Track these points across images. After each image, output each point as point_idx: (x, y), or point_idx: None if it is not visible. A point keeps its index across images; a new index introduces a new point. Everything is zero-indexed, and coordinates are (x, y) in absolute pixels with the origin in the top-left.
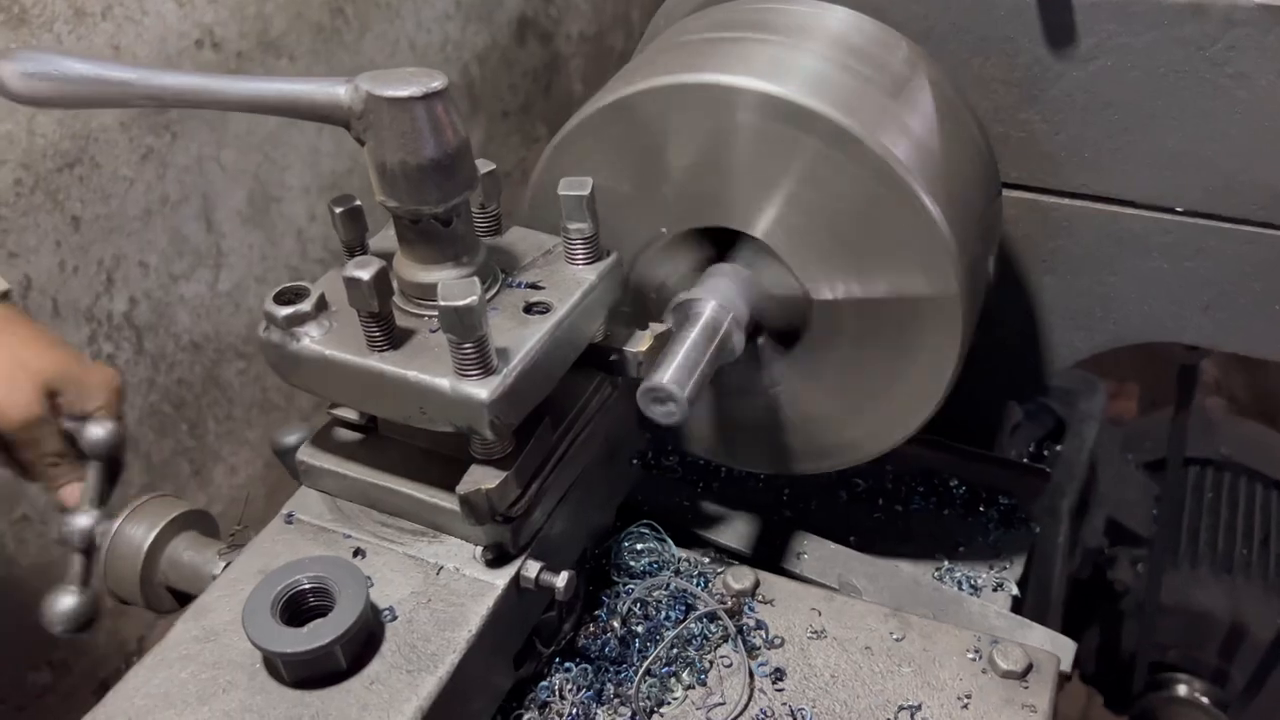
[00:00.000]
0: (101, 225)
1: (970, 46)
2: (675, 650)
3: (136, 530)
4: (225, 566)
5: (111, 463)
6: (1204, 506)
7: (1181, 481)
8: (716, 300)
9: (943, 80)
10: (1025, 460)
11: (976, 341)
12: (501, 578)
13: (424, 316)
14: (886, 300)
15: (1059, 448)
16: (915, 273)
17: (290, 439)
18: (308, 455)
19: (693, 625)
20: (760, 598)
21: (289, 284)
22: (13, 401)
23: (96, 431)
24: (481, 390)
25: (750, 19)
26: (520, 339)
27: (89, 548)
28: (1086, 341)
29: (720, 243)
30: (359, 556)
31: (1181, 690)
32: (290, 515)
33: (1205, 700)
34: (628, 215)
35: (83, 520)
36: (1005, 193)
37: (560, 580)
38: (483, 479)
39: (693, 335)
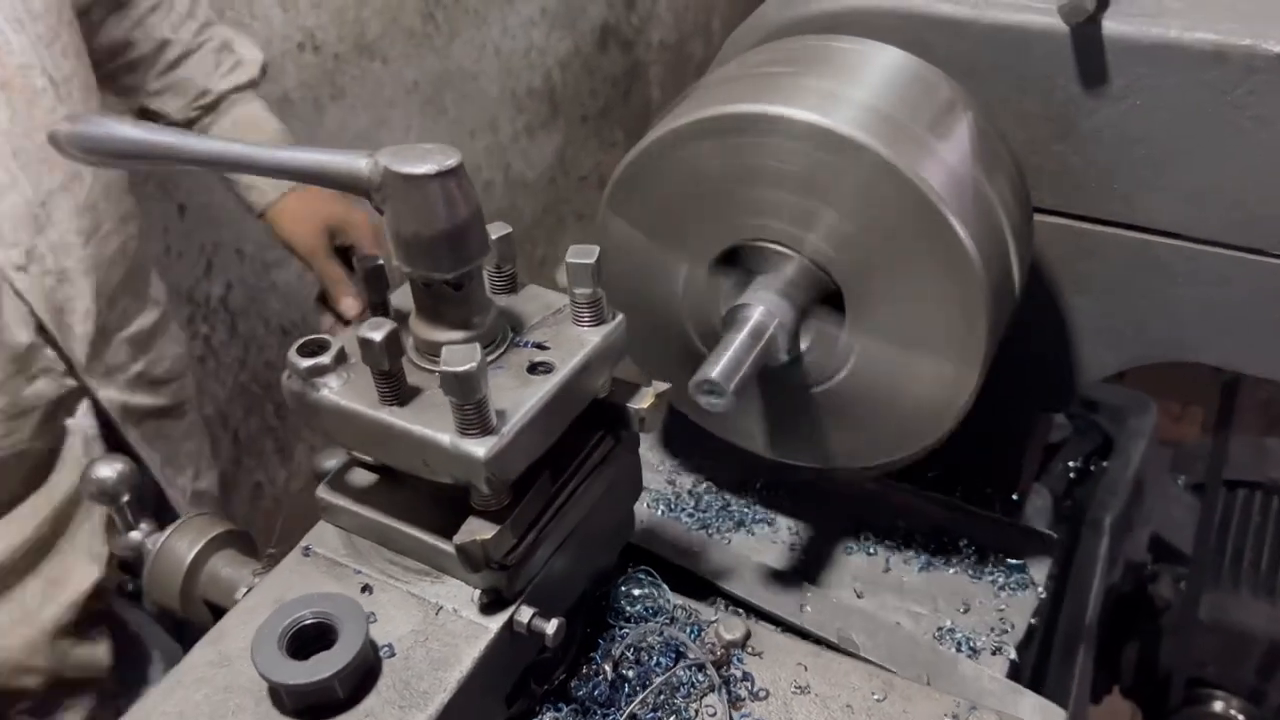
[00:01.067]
0: (205, 214)
1: (1009, 84)
2: (662, 697)
3: (180, 545)
4: (246, 592)
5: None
6: (1249, 529)
7: (1226, 502)
8: (764, 306)
9: (979, 115)
10: (1069, 479)
11: (1011, 354)
12: (495, 622)
13: (435, 373)
14: (916, 317)
15: (1105, 464)
16: (945, 289)
17: (330, 464)
18: (326, 493)
19: (680, 673)
20: (750, 649)
21: (312, 336)
22: (304, 233)
23: (104, 472)
24: (479, 448)
25: (807, 54)
26: (521, 399)
27: (139, 558)
28: (1115, 358)
29: (768, 255)
30: (366, 592)
31: (1218, 706)
32: (308, 549)
33: (1241, 717)
34: (686, 232)
35: (133, 534)
36: (1041, 218)
37: (550, 627)
38: (479, 530)
39: (740, 336)
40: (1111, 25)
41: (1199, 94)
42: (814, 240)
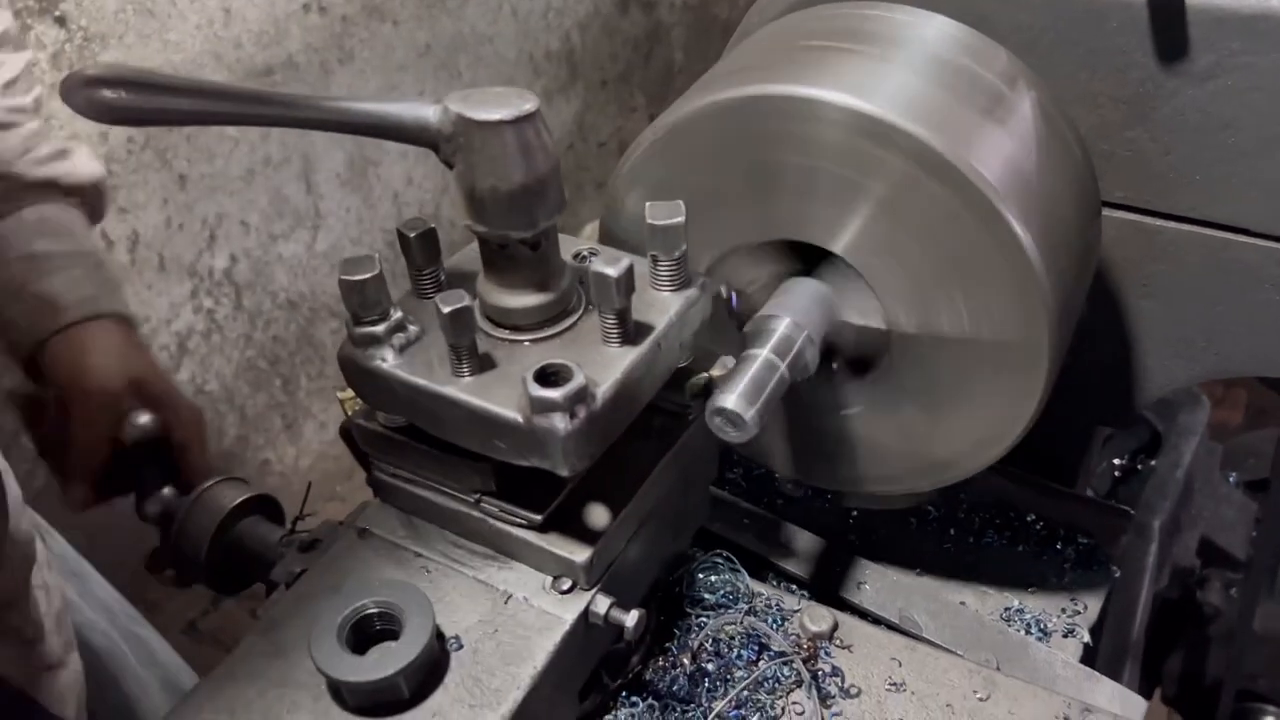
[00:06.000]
0: (206, 184)
1: (1078, 60)
2: (746, 693)
3: (206, 510)
4: (300, 575)
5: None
6: None
7: None
8: (792, 318)
9: (1043, 95)
10: (1114, 477)
11: (1068, 365)
12: (570, 612)
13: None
14: (968, 335)
15: (1153, 462)
16: (1001, 303)
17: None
18: (383, 471)
19: (764, 667)
20: (838, 642)
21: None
22: (101, 370)
23: (145, 420)
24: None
25: (844, 26)
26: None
27: (167, 522)
28: (1185, 371)
29: (806, 255)
30: (428, 576)
31: None
32: (364, 529)
33: None
34: (711, 219)
35: (165, 490)
36: (1107, 213)
37: (630, 620)
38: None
39: (764, 354)
40: None
41: None
42: (850, 240)
